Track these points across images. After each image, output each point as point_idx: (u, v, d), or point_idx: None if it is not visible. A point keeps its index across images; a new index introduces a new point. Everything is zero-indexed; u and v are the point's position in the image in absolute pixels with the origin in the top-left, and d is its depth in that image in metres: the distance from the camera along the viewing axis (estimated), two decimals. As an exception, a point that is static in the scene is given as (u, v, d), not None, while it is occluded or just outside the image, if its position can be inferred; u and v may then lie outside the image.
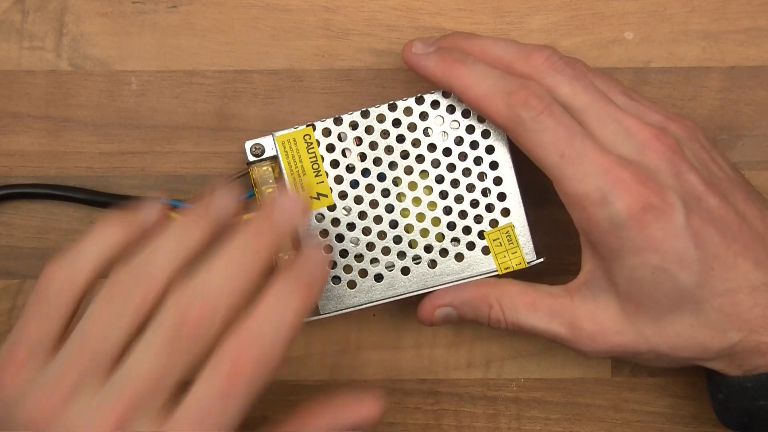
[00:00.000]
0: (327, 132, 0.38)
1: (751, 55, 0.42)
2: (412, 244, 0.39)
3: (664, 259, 0.34)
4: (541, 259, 0.39)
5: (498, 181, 0.38)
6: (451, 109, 0.38)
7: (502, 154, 0.38)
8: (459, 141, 0.38)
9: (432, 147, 0.38)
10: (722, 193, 0.36)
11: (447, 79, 0.37)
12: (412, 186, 0.38)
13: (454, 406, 0.43)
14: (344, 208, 0.38)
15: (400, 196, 0.39)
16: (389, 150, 0.38)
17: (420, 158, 0.38)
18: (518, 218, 0.38)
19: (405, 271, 0.39)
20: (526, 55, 0.37)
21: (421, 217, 0.38)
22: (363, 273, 0.39)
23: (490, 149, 0.38)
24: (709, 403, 0.43)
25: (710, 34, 0.42)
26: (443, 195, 0.38)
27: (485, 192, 0.39)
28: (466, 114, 0.38)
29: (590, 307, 0.37)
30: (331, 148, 0.38)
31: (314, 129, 0.38)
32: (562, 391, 0.43)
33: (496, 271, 0.39)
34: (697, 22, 0.42)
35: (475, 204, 0.39)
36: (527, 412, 0.43)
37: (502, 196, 0.38)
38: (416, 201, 0.39)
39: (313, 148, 0.38)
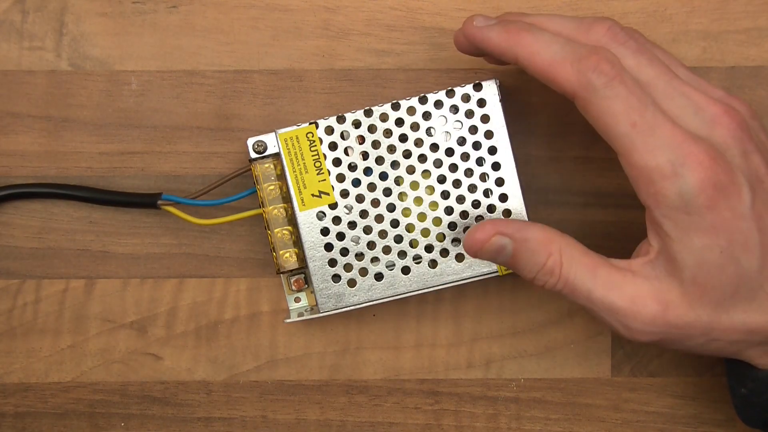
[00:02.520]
0: (330, 130, 0.38)
1: (751, 55, 0.42)
2: (413, 244, 0.39)
3: (731, 241, 0.34)
4: None
5: (500, 182, 0.38)
6: (454, 110, 0.38)
7: (504, 155, 0.38)
8: (462, 141, 0.38)
9: (434, 147, 0.38)
10: None
11: (512, 49, 0.35)
12: (414, 185, 0.38)
13: (454, 406, 0.43)
14: (345, 207, 0.38)
15: (401, 196, 0.39)
16: (392, 149, 0.39)
17: (422, 158, 0.38)
18: (519, 216, 0.38)
19: (405, 270, 0.39)
20: (586, 28, 0.36)
21: (422, 216, 0.38)
22: (363, 272, 0.39)
23: (492, 150, 0.38)
24: (710, 404, 0.43)
25: (710, 34, 0.42)
26: (445, 195, 0.38)
27: (487, 193, 0.39)
28: (469, 114, 0.38)
29: (655, 285, 0.35)
30: (333, 146, 0.38)
31: (317, 127, 0.38)
32: (562, 391, 0.43)
33: (497, 272, 0.39)
34: (697, 22, 0.42)
35: (476, 204, 0.39)
36: (527, 412, 0.43)
37: (503, 197, 0.38)
38: (418, 200, 0.39)
39: (315, 145, 0.38)
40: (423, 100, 0.38)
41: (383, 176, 0.38)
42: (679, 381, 0.43)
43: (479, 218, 0.39)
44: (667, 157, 0.33)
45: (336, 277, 0.39)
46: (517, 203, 0.38)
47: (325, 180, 0.38)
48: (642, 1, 0.42)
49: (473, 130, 0.38)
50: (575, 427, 0.43)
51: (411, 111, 0.38)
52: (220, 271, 0.43)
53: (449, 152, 0.38)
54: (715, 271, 0.34)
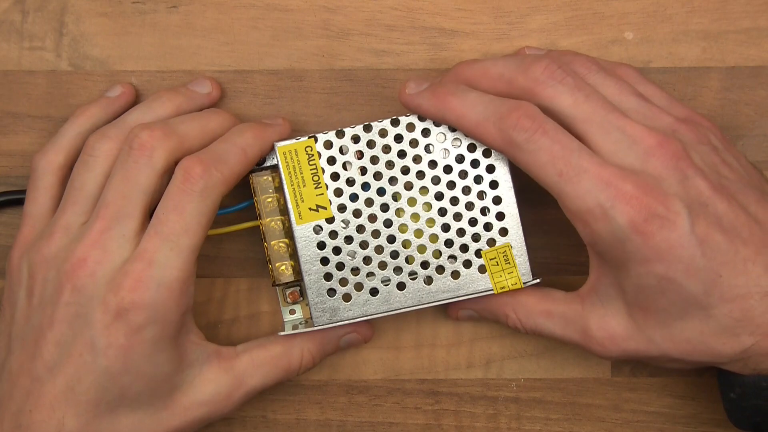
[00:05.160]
0: (329, 144, 0.38)
1: (751, 55, 0.42)
2: (409, 260, 0.39)
3: (670, 268, 0.34)
4: (537, 280, 0.39)
5: (497, 200, 0.38)
6: (453, 127, 0.38)
7: (502, 174, 0.38)
8: (460, 159, 0.38)
9: (433, 164, 0.38)
10: (732, 196, 0.35)
11: (441, 113, 0.37)
12: (412, 202, 0.38)
13: (454, 406, 0.43)
14: (343, 221, 0.38)
15: (399, 212, 0.39)
16: (390, 165, 0.38)
17: (420, 174, 0.38)
18: (516, 238, 0.38)
19: (401, 286, 0.39)
20: (525, 69, 0.37)
21: (419, 233, 0.38)
22: (359, 287, 0.39)
23: (490, 168, 0.38)
24: (709, 403, 0.43)
25: (710, 34, 0.42)
26: (442, 212, 0.38)
27: (484, 211, 0.39)
28: None
29: (599, 313, 0.37)
30: (332, 160, 0.38)
31: (316, 141, 0.38)
32: (562, 391, 0.43)
33: (492, 290, 0.39)
34: (697, 22, 0.42)
35: (473, 222, 0.39)
36: (527, 412, 0.43)
37: (500, 216, 0.38)
38: (415, 217, 0.38)
39: (314, 159, 0.38)
40: (422, 117, 0.38)
41: (381, 192, 0.38)
42: (679, 381, 0.43)
43: (476, 236, 0.39)
44: (596, 200, 0.35)
45: (331, 291, 0.39)
46: (513, 222, 0.38)
47: (322, 194, 0.38)
48: (642, 1, 0.42)
49: (472, 147, 0.38)
50: (575, 427, 0.43)
51: (410, 127, 0.38)
52: (220, 271, 0.43)
53: (447, 169, 0.38)
54: (655, 295, 0.35)
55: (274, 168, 0.39)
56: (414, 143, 0.38)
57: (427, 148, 0.38)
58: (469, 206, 0.38)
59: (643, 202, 0.34)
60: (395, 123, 0.38)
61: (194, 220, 0.36)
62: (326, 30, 0.42)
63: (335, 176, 0.38)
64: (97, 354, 0.35)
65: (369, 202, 0.38)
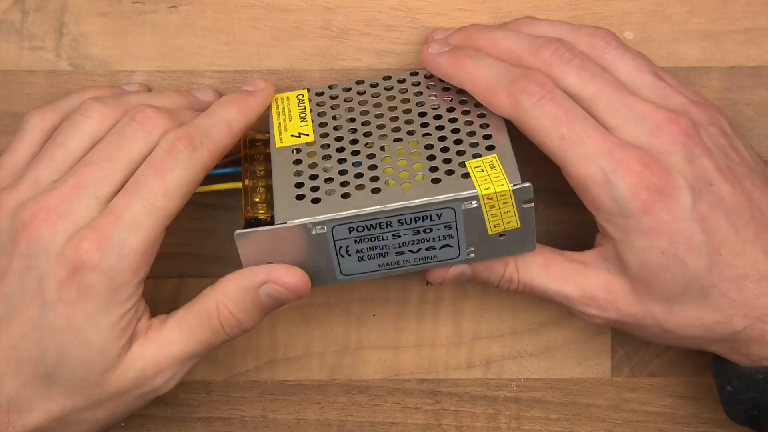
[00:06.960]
0: (319, 94, 0.40)
1: (751, 55, 0.42)
2: (387, 171, 0.37)
3: (672, 241, 0.34)
4: (527, 184, 0.35)
5: (485, 125, 0.38)
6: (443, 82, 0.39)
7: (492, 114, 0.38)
8: (448, 99, 0.39)
9: (420, 104, 0.39)
10: (737, 180, 0.36)
11: (457, 74, 0.38)
12: (396, 129, 0.38)
13: (454, 406, 0.43)
14: (323, 146, 0.38)
15: (382, 137, 0.38)
16: (378, 105, 0.39)
17: (407, 111, 0.39)
18: (503, 150, 0.37)
19: (375, 191, 0.36)
20: (535, 49, 0.37)
21: (400, 151, 0.38)
22: (330, 192, 0.36)
23: (478, 104, 0.38)
24: (710, 403, 0.43)
25: (710, 34, 0.42)
26: (426, 135, 0.38)
27: (471, 133, 0.37)
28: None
29: (603, 276, 0.37)
30: (320, 103, 0.40)
31: (309, 91, 0.40)
32: (562, 391, 0.43)
33: (476, 192, 0.35)
34: (697, 22, 0.42)
35: (458, 141, 0.37)
36: (527, 412, 0.43)
37: (488, 136, 0.37)
38: (398, 140, 0.38)
39: (303, 102, 0.40)
40: (414, 73, 0.40)
41: (366, 123, 0.39)
42: (679, 381, 0.43)
43: (460, 152, 0.37)
44: (598, 165, 0.35)
45: (300, 196, 0.36)
46: (502, 140, 0.37)
47: (307, 125, 0.39)
48: (642, 1, 0.42)
49: (461, 93, 0.39)
50: (575, 427, 0.43)
51: (401, 81, 0.40)
52: (220, 271, 0.42)
53: (435, 106, 0.39)
54: (658, 270, 0.35)
55: (267, 157, 0.39)
56: (403, 90, 0.39)
57: (416, 93, 0.39)
58: (455, 131, 0.38)
59: (645, 173, 0.34)
60: (387, 79, 0.40)
61: (174, 186, 0.35)
62: (326, 30, 0.42)
63: (321, 114, 0.39)
64: (46, 308, 0.34)
65: (352, 131, 0.38)
